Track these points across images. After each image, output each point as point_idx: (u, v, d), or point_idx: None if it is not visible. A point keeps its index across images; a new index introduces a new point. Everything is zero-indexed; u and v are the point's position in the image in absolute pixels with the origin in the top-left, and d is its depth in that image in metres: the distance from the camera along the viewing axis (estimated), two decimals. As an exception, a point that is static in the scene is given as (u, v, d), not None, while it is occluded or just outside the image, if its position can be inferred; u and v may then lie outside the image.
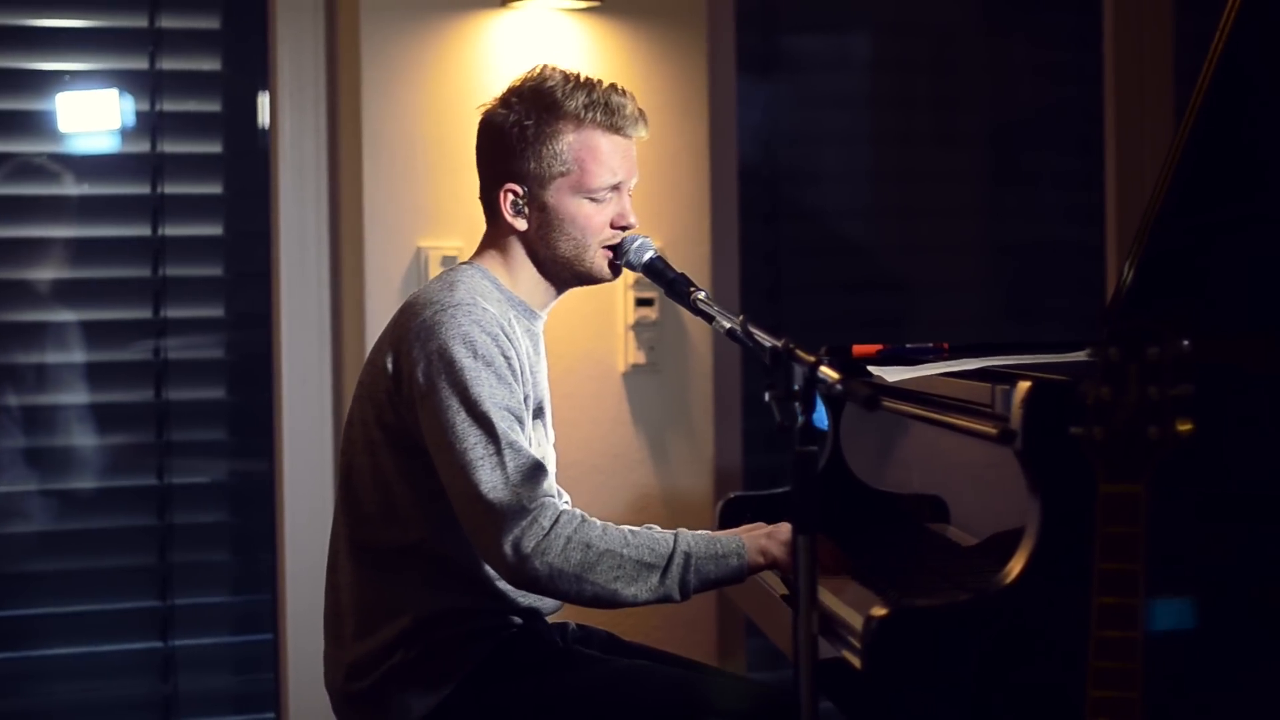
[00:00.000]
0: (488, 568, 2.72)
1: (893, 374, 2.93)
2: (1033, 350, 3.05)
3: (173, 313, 4.02)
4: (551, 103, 2.79)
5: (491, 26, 3.96)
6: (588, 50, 4.00)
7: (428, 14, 3.93)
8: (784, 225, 4.50)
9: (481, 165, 2.87)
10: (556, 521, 2.61)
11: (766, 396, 2.33)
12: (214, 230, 4.07)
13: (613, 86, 2.84)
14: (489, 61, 3.92)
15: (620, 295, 4.04)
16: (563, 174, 2.79)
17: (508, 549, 2.59)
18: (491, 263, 2.86)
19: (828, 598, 2.61)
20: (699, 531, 2.75)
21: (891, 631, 2.28)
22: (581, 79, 2.83)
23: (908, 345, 3.22)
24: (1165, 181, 2.98)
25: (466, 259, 2.91)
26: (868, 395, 2.21)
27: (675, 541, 2.67)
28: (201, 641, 4.07)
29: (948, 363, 2.97)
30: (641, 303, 4.03)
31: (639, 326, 4.04)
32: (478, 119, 2.88)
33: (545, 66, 2.85)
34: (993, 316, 4.72)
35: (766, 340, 2.51)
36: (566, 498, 3.09)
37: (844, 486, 3.29)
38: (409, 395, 2.70)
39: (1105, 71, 4.59)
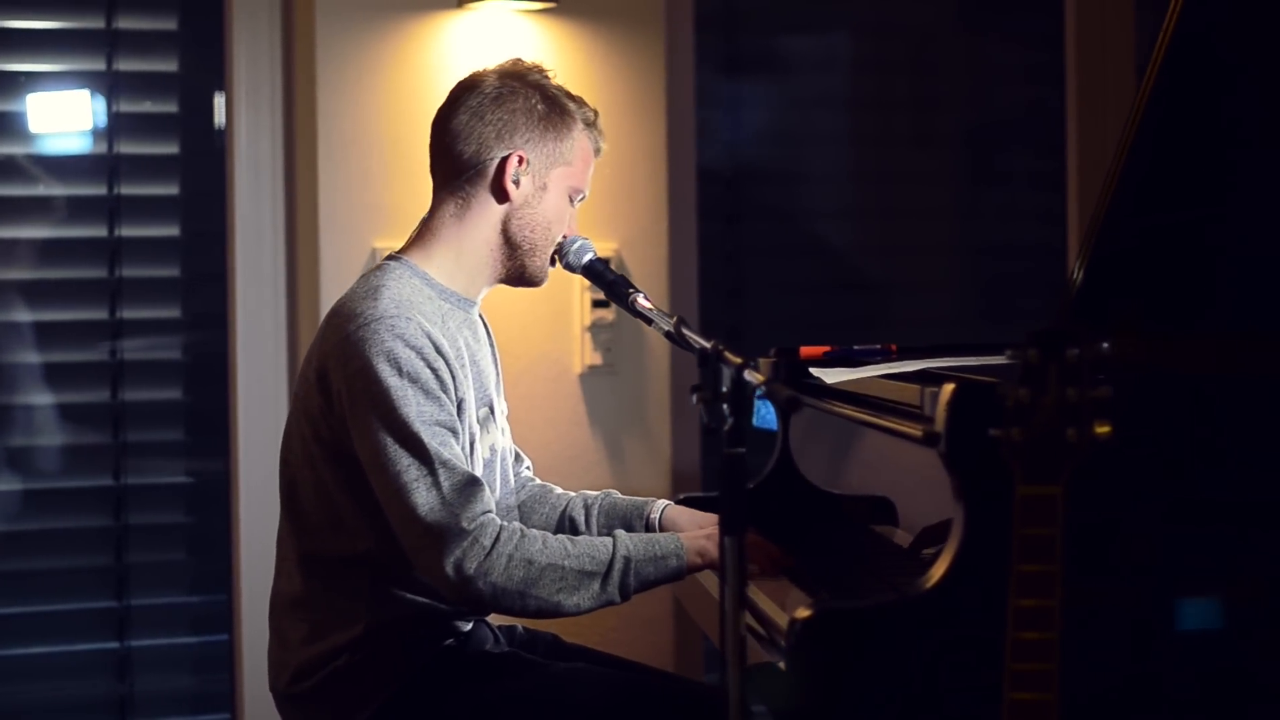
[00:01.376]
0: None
1: (834, 375, 2.93)
2: (985, 351, 3.05)
3: (129, 313, 4.03)
4: (559, 99, 2.83)
5: (447, 27, 3.97)
6: (544, 51, 3.99)
7: (383, 15, 3.93)
8: (749, 226, 4.50)
9: (475, 129, 2.80)
10: (497, 540, 2.60)
11: (694, 399, 2.33)
12: (170, 231, 4.07)
13: (589, 104, 2.88)
14: (445, 62, 3.92)
15: (576, 296, 4.04)
16: (566, 164, 2.82)
17: (450, 570, 2.58)
18: (429, 251, 2.82)
19: (762, 600, 2.61)
20: (638, 533, 2.76)
21: (814, 633, 2.27)
22: (565, 89, 2.86)
23: (855, 347, 3.23)
24: (1113, 181, 2.99)
25: (398, 249, 2.86)
26: (788, 397, 2.22)
27: (614, 546, 2.67)
28: (158, 642, 4.08)
29: (889, 365, 2.97)
30: (598, 304, 4.03)
31: (595, 328, 4.04)
32: (467, 83, 2.84)
33: (535, 63, 2.87)
34: (967, 317, 4.72)
35: (697, 342, 2.52)
36: (528, 463, 3.09)
37: (792, 488, 3.29)
38: (340, 414, 2.68)
39: (1067, 71, 4.60)
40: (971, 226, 4.76)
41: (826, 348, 3.23)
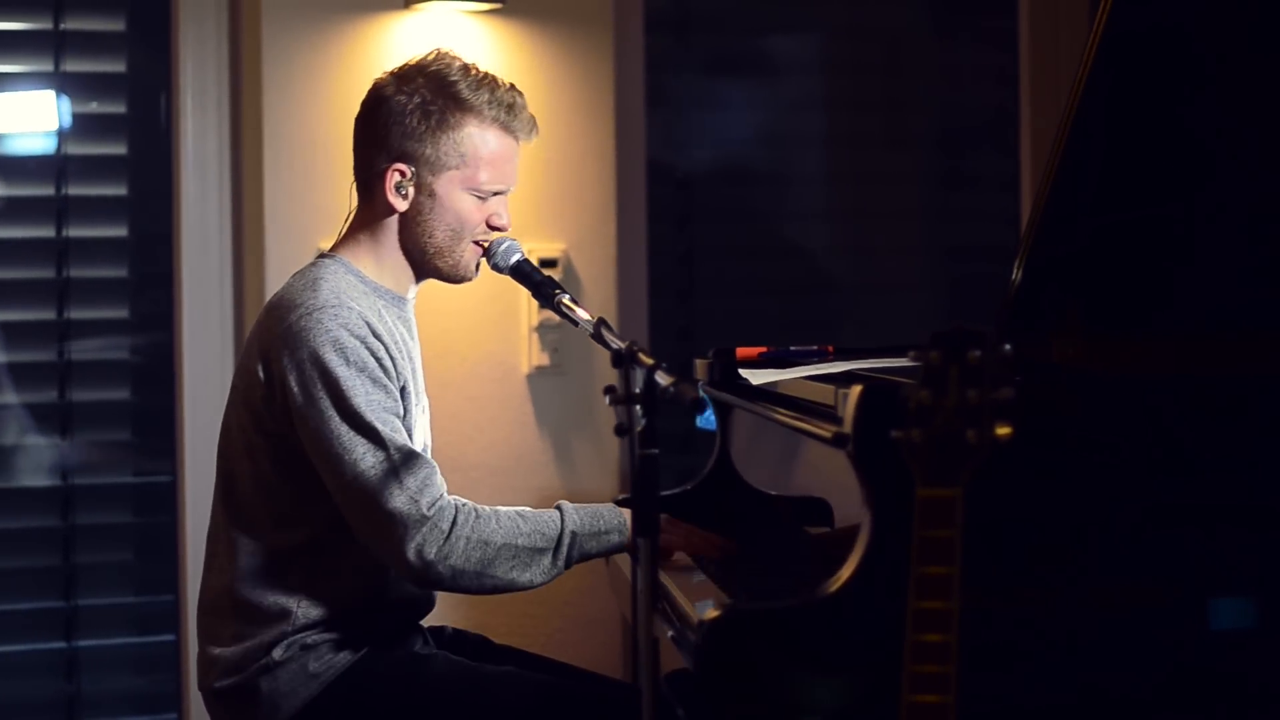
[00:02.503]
0: (366, 569, 2.75)
1: (761, 377, 2.94)
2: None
3: (76, 314, 4.02)
4: (455, 94, 2.78)
5: (394, 28, 3.97)
6: (492, 52, 3.99)
7: (330, 15, 3.93)
8: (701, 228, 4.50)
9: (366, 139, 2.82)
10: (455, 523, 2.64)
11: (608, 400, 2.34)
12: (119, 232, 4.07)
13: (512, 87, 2.84)
14: (391, 63, 3.86)
15: (524, 297, 4.02)
16: (456, 166, 2.79)
17: (412, 556, 2.62)
18: (355, 251, 2.83)
19: (683, 601, 2.62)
20: (583, 505, 2.80)
21: (720, 634, 2.27)
22: (483, 75, 2.82)
23: (792, 348, 3.23)
24: (1049, 179, 2.99)
25: (329, 247, 2.88)
26: (694, 399, 2.23)
27: (562, 521, 2.74)
28: (105, 642, 4.08)
29: (816, 366, 2.98)
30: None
31: (543, 328, 4.04)
32: (370, 90, 2.85)
33: (447, 53, 2.83)
34: (932, 319, 4.72)
35: (613, 342, 2.54)
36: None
37: (730, 489, 3.29)
38: (283, 402, 2.70)
39: (1020, 72, 4.60)
40: (935, 228, 4.76)
41: (762, 349, 3.24)
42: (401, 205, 2.79)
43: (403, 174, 2.78)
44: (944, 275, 4.76)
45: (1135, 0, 2.95)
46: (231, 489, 2.79)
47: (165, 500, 4.07)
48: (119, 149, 4.07)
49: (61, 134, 4.02)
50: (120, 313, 4.07)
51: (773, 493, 3.19)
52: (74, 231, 4.02)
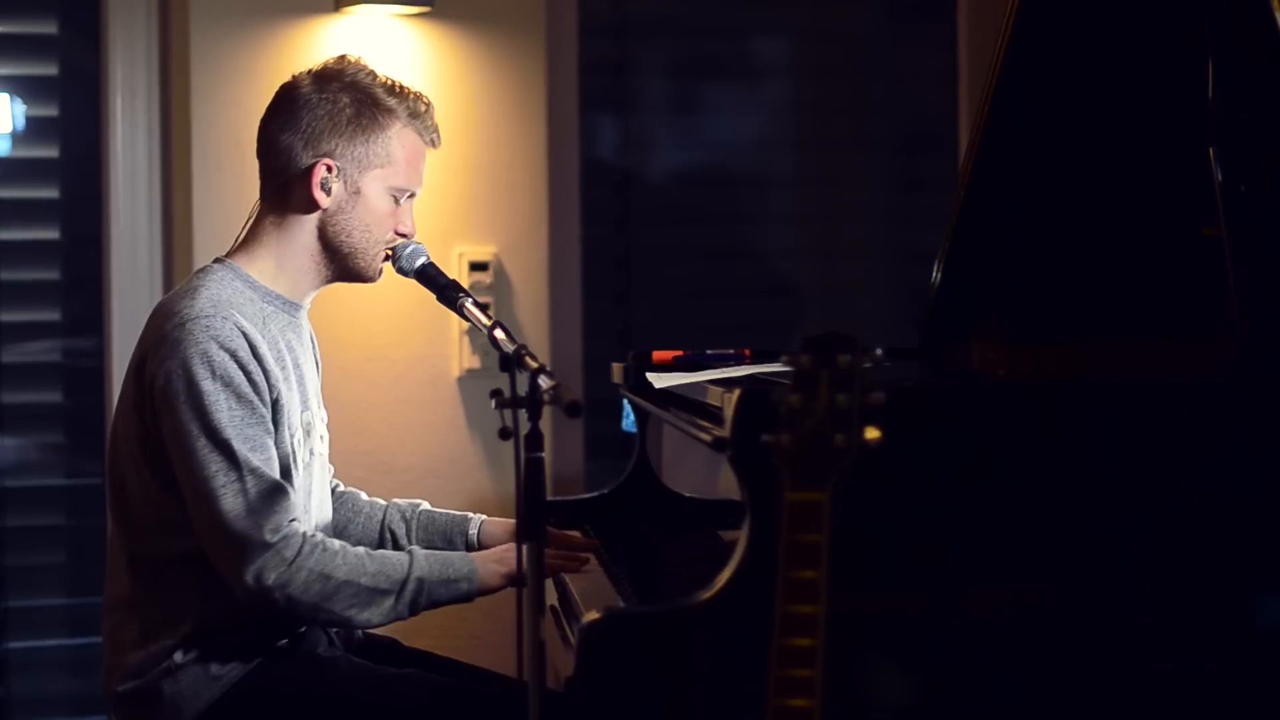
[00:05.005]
0: None
1: (666, 380, 2.94)
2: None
3: (8, 317, 4.03)
4: (376, 96, 2.80)
5: (324, 31, 3.96)
6: (421, 56, 4.00)
7: (259, 18, 3.93)
8: (639, 230, 4.51)
9: (286, 137, 2.80)
10: (299, 553, 2.63)
11: (493, 404, 2.34)
12: (50, 235, 4.07)
13: (420, 95, 2.86)
14: (320, 66, 3.91)
15: (455, 300, 4.03)
16: (381, 165, 2.80)
17: (249, 579, 2.62)
18: (253, 255, 2.83)
19: (579, 606, 2.62)
20: (434, 552, 2.78)
21: (596, 637, 2.28)
22: (392, 82, 2.84)
23: (708, 351, 3.24)
24: (965, 182, 3.00)
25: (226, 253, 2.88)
26: (570, 402, 2.24)
27: (410, 566, 2.71)
28: (35, 644, 4.08)
29: (726, 370, 2.98)
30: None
31: (474, 331, 4.02)
32: (282, 89, 2.84)
33: (356, 60, 2.85)
34: (883, 323, 4.72)
35: (505, 345, 2.55)
36: (332, 469, 3.05)
37: (648, 493, 3.30)
38: (153, 409, 2.71)
39: (959, 74, 4.61)
40: (881, 231, 4.77)
41: (678, 352, 3.24)
42: (325, 201, 2.79)
43: (330, 169, 2.79)
44: (894, 278, 4.76)
45: (1046, 3, 2.97)
46: (122, 498, 2.80)
47: (97, 502, 4.05)
48: (50, 152, 4.08)
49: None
50: (52, 315, 4.08)
51: (688, 495, 3.19)
52: (5, 234, 4.03)
